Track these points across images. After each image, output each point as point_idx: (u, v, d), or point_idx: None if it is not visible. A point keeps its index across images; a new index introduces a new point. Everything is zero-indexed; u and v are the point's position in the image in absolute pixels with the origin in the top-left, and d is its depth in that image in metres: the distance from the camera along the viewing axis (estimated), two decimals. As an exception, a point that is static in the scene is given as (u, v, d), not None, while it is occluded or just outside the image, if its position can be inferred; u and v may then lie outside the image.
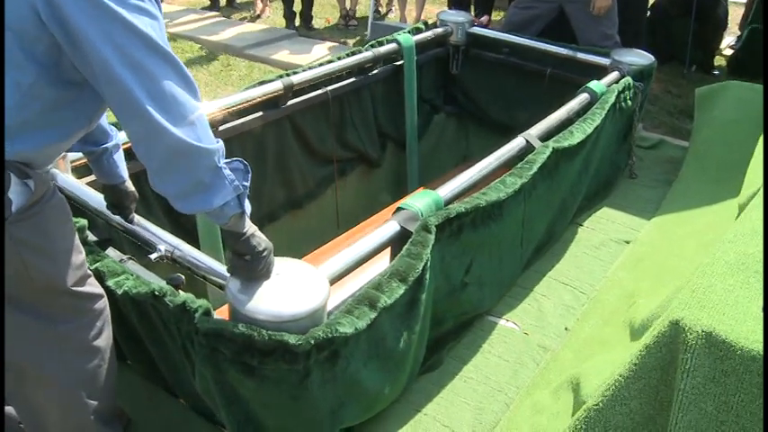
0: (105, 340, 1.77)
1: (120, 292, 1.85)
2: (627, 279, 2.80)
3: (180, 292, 1.81)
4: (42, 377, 1.66)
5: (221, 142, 1.48)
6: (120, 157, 1.92)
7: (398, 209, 2.16)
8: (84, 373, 1.72)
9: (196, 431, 2.13)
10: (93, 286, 1.72)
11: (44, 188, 1.50)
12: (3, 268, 1.48)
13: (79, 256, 1.65)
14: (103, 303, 1.76)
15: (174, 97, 1.36)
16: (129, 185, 1.97)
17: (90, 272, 1.73)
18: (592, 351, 2.36)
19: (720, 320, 1.41)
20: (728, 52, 6.57)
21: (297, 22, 7.76)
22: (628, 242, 3.13)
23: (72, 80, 1.41)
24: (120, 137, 1.93)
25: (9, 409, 1.83)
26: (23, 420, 1.79)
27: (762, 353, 1.35)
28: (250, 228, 1.59)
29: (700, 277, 1.56)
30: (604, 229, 3.24)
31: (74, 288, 1.62)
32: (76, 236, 1.66)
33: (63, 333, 1.64)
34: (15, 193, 1.41)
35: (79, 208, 2.17)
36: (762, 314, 1.44)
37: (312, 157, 3.61)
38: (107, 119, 1.87)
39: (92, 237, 2.08)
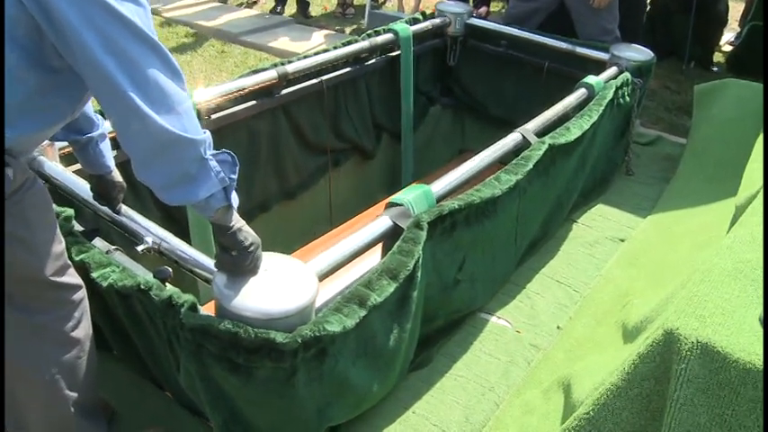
0: (84, 331, 1.74)
1: (105, 284, 1.82)
2: (621, 277, 2.77)
3: (167, 285, 1.78)
4: (21, 369, 1.63)
5: (208, 133, 1.45)
6: (106, 147, 1.88)
7: (390, 204, 2.12)
8: (62, 364, 1.69)
9: (182, 424, 2.10)
10: (72, 276, 1.69)
11: (24, 176, 1.47)
12: (3, 264, 1.46)
13: (59, 245, 1.62)
14: (82, 294, 1.73)
15: (158, 86, 1.33)
16: (117, 176, 1.93)
17: (69, 262, 1.70)
18: (584, 351, 2.34)
19: (716, 331, 1.38)
20: (728, 48, 6.54)
21: (294, 8, 7.69)
22: (623, 240, 3.11)
23: (54, 65, 1.36)
24: (107, 126, 1.89)
25: None
26: (7, 414, 1.76)
27: (759, 366, 1.32)
28: (237, 222, 1.56)
29: (696, 285, 1.53)
30: (599, 227, 3.22)
31: (52, 278, 1.59)
32: (56, 224, 1.62)
33: (40, 324, 1.62)
34: None
35: (66, 197, 2.13)
36: (760, 325, 1.41)
37: (306, 148, 3.57)
38: (93, 107, 1.83)
39: (78, 227, 2.04)
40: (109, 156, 1.90)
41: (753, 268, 1.57)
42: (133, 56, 1.30)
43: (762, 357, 1.33)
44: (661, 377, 1.46)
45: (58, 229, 1.63)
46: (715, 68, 6.07)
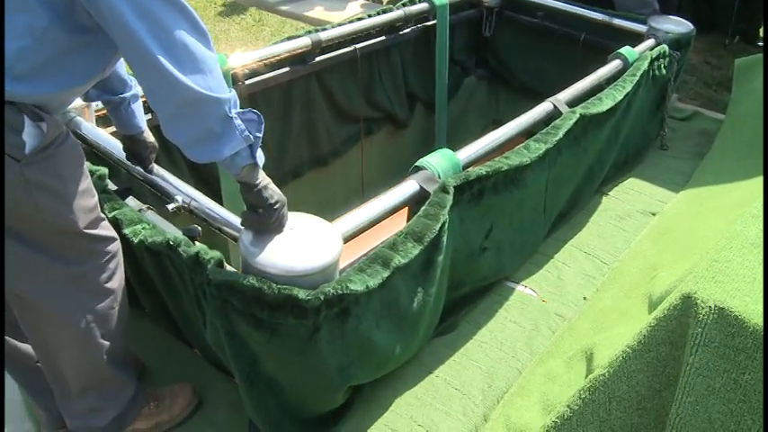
0: (118, 282, 1.79)
1: (135, 240, 1.86)
2: (650, 251, 2.75)
3: (196, 243, 1.82)
4: (57, 316, 1.68)
5: (234, 92, 1.48)
6: (138, 107, 1.93)
7: (415, 167, 2.14)
8: (97, 313, 1.74)
9: (210, 380, 2.16)
10: (105, 229, 1.74)
11: (57, 131, 1.51)
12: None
13: (91, 199, 1.67)
14: (116, 246, 1.78)
15: (185, 46, 1.36)
16: (149, 136, 1.98)
17: (103, 215, 1.75)
18: (609, 322, 2.34)
19: (734, 296, 1.38)
20: (775, 23, 6.35)
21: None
22: (654, 214, 3.08)
23: (85, 26, 1.41)
24: (139, 89, 1.93)
25: (27, 347, 1.87)
26: (40, 359, 1.82)
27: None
28: (263, 180, 1.59)
29: (718, 251, 1.52)
30: (631, 200, 3.19)
31: (86, 230, 1.64)
32: (89, 179, 1.67)
33: (76, 274, 1.66)
34: (29, 135, 1.42)
35: (101, 157, 2.18)
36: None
37: (338, 115, 3.59)
38: (125, 69, 1.87)
39: (112, 186, 2.09)
40: (141, 116, 1.94)
41: (777, 237, 1.56)
42: (160, 17, 1.34)
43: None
44: (677, 341, 1.46)
45: (91, 184, 1.68)
46: (760, 43, 5.89)
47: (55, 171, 1.51)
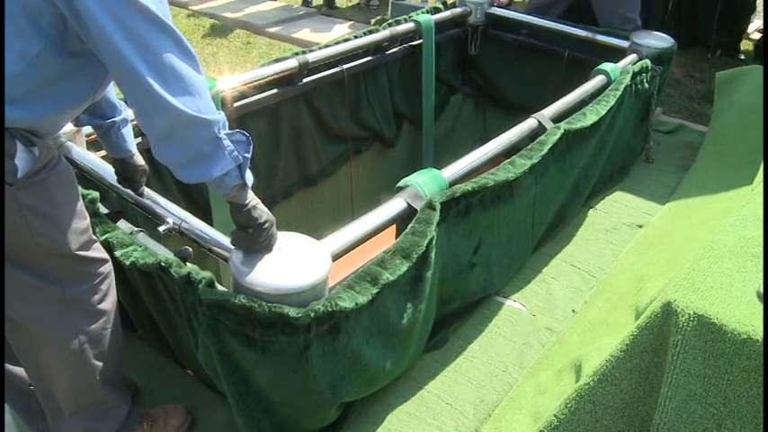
0: (110, 303, 1.81)
1: (127, 262, 1.88)
2: (637, 263, 2.79)
3: (187, 264, 1.84)
4: (50, 337, 1.70)
5: (222, 113, 1.51)
6: (128, 131, 1.96)
7: (399, 187, 2.17)
8: (90, 334, 1.76)
9: (202, 399, 2.17)
10: (98, 251, 1.76)
11: (49, 156, 1.54)
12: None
13: (83, 221, 1.69)
14: (108, 268, 1.80)
15: (173, 69, 1.39)
16: (139, 159, 2.01)
17: (95, 237, 1.77)
18: (598, 334, 2.36)
19: (713, 303, 1.41)
20: (756, 36, 6.44)
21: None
22: (640, 226, 3.12)
23: (77, 51, 1.44)
24: (129, 113, 1.96)
25: (20, 369, 1.88)
26: (33, 381, 1.84)
27: (753, 337, 1.35)
28: (252, 200, 1.62)
29: (696, 260, 1.56)
30: (617, 213, 3.23)
31: (78, 252, 1.66)
32: (81, 202, 1.69)
33: (69, 295, 1.68)
34: (21, 159, 1.45)
35: (93, 181, 2.20)
36: (757, 299, 1.43)
37: (327, 135, 3.63)
38: (115, 93, 1.90)
39: (104, 209, 2.11)
40: (131, 140, 1.98)
41: (754, 245, 1.59)
42: (149, 41, 1.37)
43: (757, 329, 1.36)
44: (660, 349, 1.49)
45: (83, 206, 1.70)
46: (742, 56, 5.98)
47: (47, 195, 1.54)
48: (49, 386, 1.80)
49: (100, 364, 1.81)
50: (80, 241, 1.66)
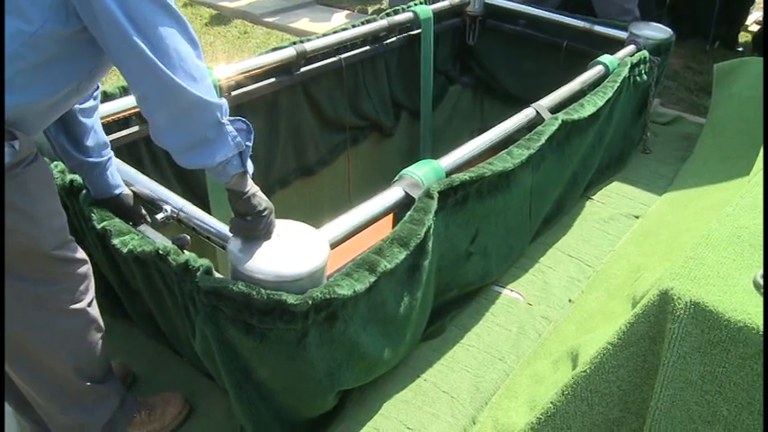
0: (87, 302, 1.77)
1: (125, 250, 1.87)
2: (634, 253, 2.80)
3: (185, 252, 1.84)
4: (24, 338, 1.67)
5: (224, 100, 1.50)
6: (114, 171, 1.97)
7: (399, 176, 2.17)
8: (65, 333, 1.73)
9: (200, 388, 2.19)
10: (74, 251, 1.72)
11: (28, 151, 1.49)
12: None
13: (60, 219, 1.65)
14: (86, 269, 1.76)
15: (177, 52, 1.39)
16: (126, 189, 2.01)
17: (72, 237, 1.72)
18: (594, 324, 2.37)
19: (709, 291, 1.42)
20: (755, 28, 6.43)
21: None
22: (637, 217, 3.13)
23: (72, 36, 1.41)
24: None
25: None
26: (18, 383, 1.80)
27: (749, 324, 1.36)
28: (252, 188, 1.62)
29: (693, 249, 1.56)
30: (615, 204, 3.24)
31: (54, 252, 1.62)
32: (58, 199, 1.65)
33: (42, 294, 1.64)
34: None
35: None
36: (754, 288, 1.44)
37: (325, 125, 3.62)
38: (103, 134, 1.90)
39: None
40: (119, 177, 1.98)
41: (751, 234, 1.60)
42: (154, 23, 1.36)
43: (753, 317, 1.37)
44: (656, 336, 1.50)
45: (60, 205, 1.66)
46: (740, 49, 5.98)
47: (23, 190, 1.49)
48: (32, 385, 1.78)
49: (79, 361, 1.79)
50: (57, 240, 1.62)
